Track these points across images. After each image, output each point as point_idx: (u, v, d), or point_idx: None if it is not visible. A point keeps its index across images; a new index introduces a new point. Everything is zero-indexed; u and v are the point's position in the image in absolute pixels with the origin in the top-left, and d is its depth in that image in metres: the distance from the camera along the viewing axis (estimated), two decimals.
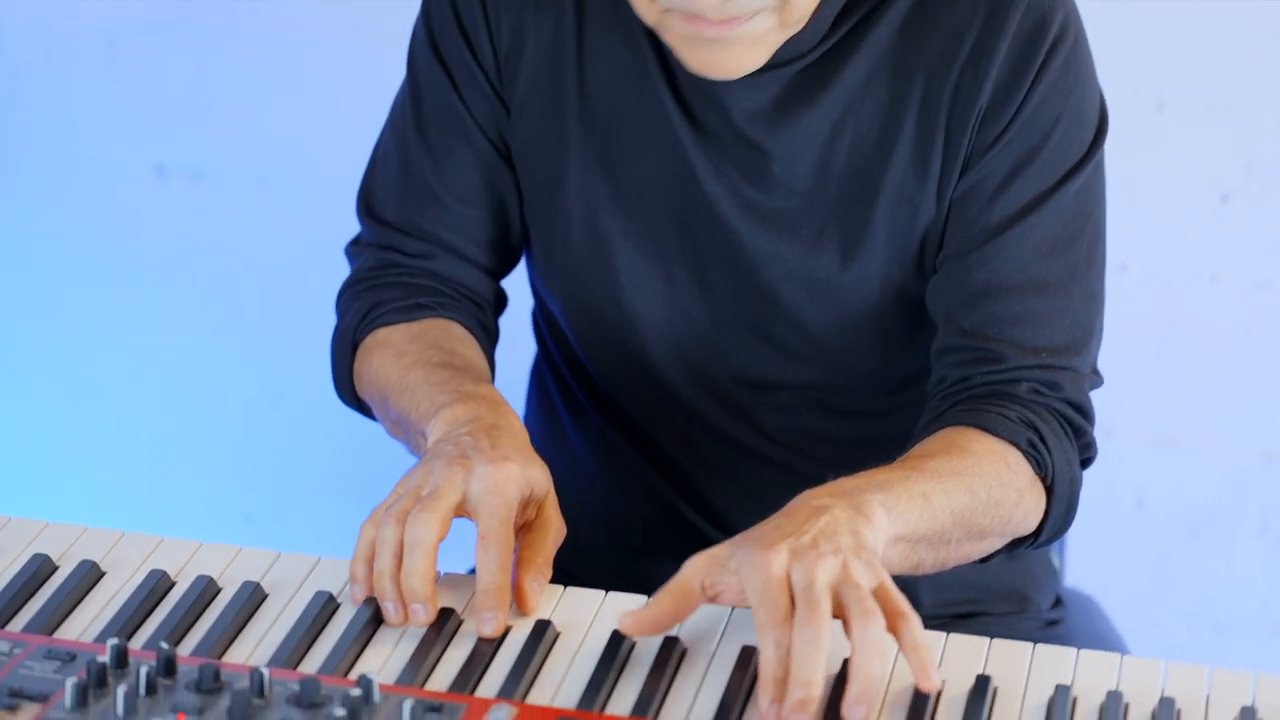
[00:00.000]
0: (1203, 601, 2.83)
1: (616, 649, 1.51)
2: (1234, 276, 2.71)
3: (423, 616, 1.53)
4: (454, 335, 1.80)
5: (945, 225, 1.72)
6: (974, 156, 1.69)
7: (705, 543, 1.85)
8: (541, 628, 1.53)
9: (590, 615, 1.57)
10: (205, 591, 1.58)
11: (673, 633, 1.53)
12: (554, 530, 1.61)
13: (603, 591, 1.60)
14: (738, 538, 1.50)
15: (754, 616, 1.43)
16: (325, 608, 1.56)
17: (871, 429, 1.85)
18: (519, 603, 1.56)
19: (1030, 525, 1.69)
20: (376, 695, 1.41)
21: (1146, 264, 2.71)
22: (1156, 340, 2.74)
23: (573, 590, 1.60)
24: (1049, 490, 1.69)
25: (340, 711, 1.38)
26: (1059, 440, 1.69)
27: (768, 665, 1.41)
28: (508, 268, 1.89)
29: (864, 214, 1.72)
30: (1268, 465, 2.77)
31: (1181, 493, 2.81)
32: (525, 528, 1.61)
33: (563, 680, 1.49)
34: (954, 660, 1.51)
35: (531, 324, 1.99)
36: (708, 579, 1.49)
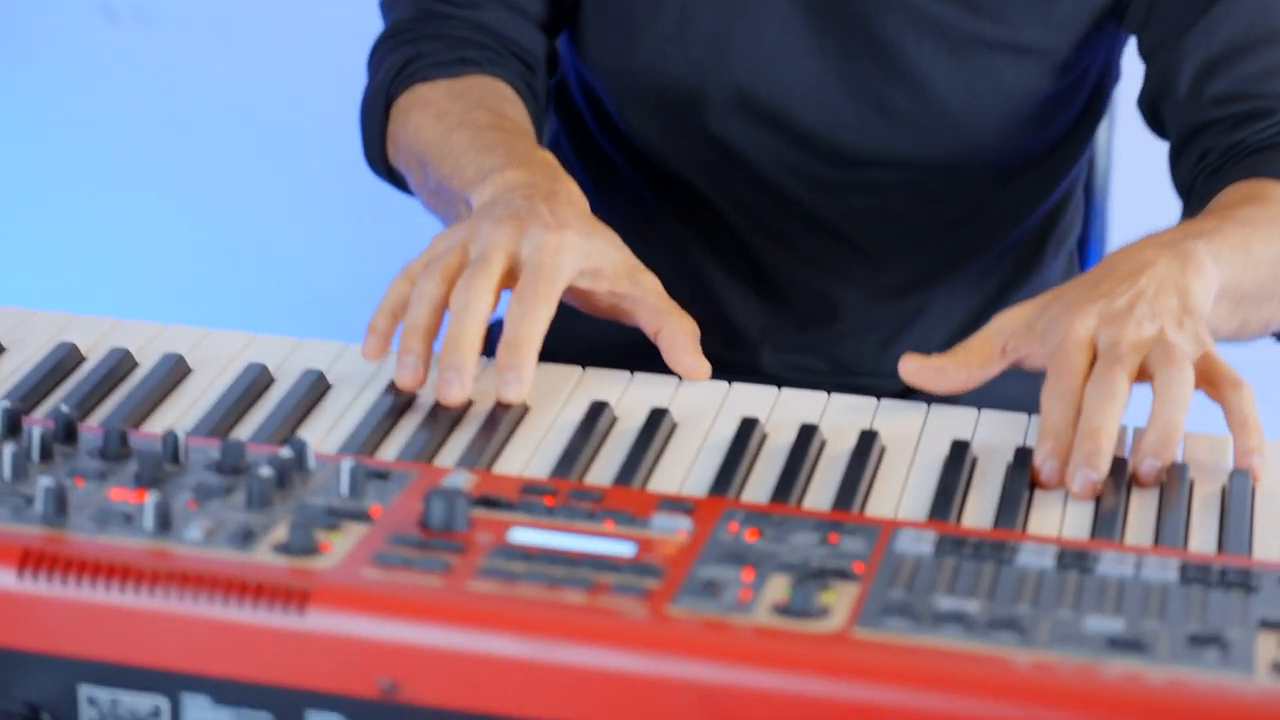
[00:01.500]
0: None
1: (595, 420, 1.30)
2: None
3: (455, 389, 1.31)
4: (502, 95, 1.60)
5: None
6: None
7: (741, 342, 1.66)
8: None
9: (566, 391, 1.37)
10: (120, 365, 1.38)
11: (661, 404, 1.33)
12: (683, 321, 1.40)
13: (579, 367, 1.39)
14: (1046, 295, 1.35)
15: (1045, 378, 1.28)
16: (258, 381, 1.36)
17: (961, 220, 1.70)
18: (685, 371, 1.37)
19: None
20: (311, 460, 1.20)
21: None
22: None
23: (545, 366, 1.38)
24: None
25: (267, 472, 1.16)
26: None
27: (1049, 417, 1.26)
28: (560, 24, 1.70)
29: None
30: None
31: None
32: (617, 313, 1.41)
33: (534, 453, 1.29)
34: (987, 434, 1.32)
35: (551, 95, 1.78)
36: (1012, 341, 1.34)
